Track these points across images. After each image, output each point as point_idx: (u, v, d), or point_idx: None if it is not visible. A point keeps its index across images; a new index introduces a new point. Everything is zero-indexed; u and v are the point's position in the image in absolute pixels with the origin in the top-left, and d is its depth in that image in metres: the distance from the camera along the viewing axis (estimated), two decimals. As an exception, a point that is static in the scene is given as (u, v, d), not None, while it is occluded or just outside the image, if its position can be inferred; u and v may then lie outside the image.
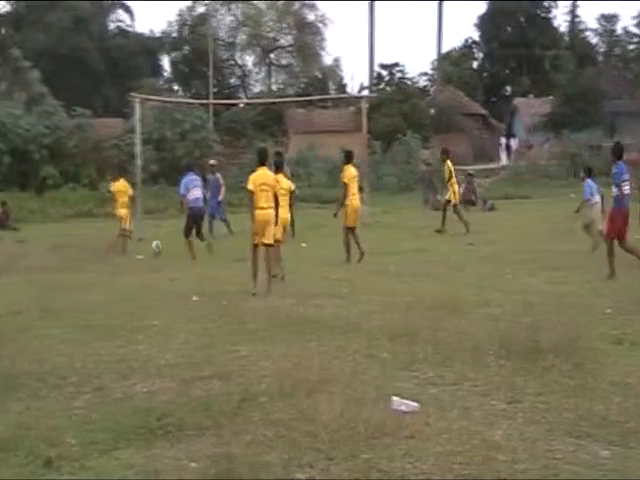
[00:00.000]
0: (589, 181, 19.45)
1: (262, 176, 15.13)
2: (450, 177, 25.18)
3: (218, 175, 27.41)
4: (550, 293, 13.45)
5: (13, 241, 25.87)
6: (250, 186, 14.95)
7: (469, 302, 12.76)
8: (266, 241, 15.12)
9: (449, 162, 25.55)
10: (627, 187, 16.02)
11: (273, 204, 15.13)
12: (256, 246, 15.16)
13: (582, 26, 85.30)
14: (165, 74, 78.84)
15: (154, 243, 21.97)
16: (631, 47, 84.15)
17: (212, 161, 29.46)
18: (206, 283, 15.59)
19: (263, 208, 14.96)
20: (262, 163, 15.54)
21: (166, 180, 42.30)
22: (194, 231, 21.25)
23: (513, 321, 10.92)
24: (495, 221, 28.89)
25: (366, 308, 12.56)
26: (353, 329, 10.91)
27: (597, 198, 19.88)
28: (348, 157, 19.64)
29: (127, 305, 13.45)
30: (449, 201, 24.76)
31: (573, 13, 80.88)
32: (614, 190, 16.04)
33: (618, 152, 16.58)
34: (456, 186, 25.41)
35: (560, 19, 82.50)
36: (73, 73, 64.87)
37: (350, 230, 18.89)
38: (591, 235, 19.57)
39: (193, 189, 21.43)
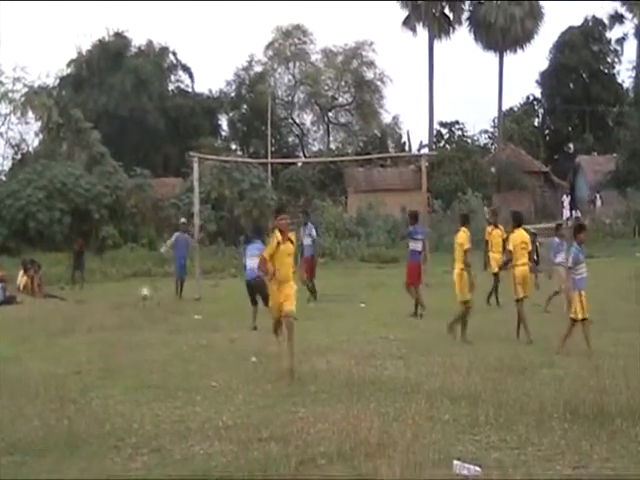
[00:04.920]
0: None
1: (520, 236, 16.30)
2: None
3: (186, 235, 26.64)
4: (617, 355, 13.21)
5: (73, 301, 25.89)
6: (510, 246, 16.31)
7: (533, 363, 12.60)
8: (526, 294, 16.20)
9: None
10: (419, 244, 20.88)
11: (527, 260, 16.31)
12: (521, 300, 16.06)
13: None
14: (223, 133, 79.27)
15: (143, 291, 21.74)
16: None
17: (182, 219, 28.63)
18: (265, 343, 15.33)
19: (524, 264, 16.13)
20: (519, 224, 16.56)
21: (224, 239, 42.19)
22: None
23: (578, 383, 10.72)
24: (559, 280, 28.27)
25: (427, 369, 12.39)
26: (413, 390, 10.74)
27: None
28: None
29: (185, 365, 13.43)
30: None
31: (638, 69, 79.94)
32: (410, 245, 20.86)
33: (413, 217, 21.63)
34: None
35: (624, 75, 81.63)
36: (133, 133, 65.50)
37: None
38: None
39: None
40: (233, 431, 9.07)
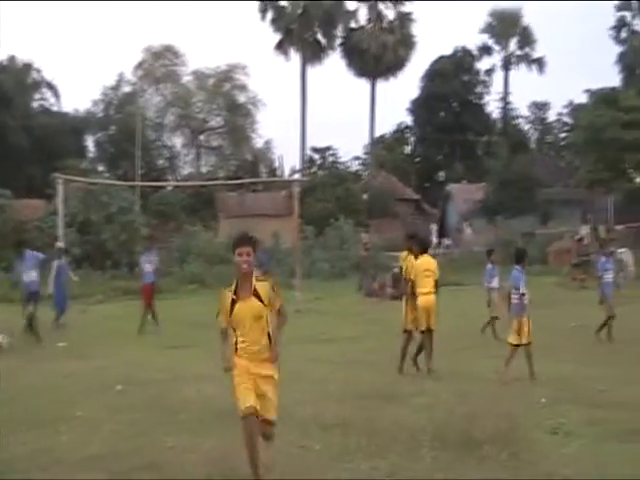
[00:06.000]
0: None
1: (424, 263, 15.14)
2: None
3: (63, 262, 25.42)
4: (486, 381, 13.56)
5: None
6: (411, 273, 15.08)
7: (404, 391, 12.73)
8: (431, 326, 14.93)
9: None
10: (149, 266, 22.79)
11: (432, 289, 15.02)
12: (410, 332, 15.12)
13: (514, 113, 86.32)
14: (90, 154, 77.38)
15: None
16: (562, 135, 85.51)
17: (59, 244, 27.28)
18: (134, 371, 15.19)
19: (427, 293, 14.94)
20: (425, 250, 15.49)
21: (91, 264, 40.75)
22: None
23: (448, 410, 10.96)
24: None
25: (299, 397, 12.24)
26: (285, 419, 10.40)
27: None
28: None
29: (50, 394, 13.03)
30: None
31: (505, 100, 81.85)
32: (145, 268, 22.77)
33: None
34: None
35: (493, 105, 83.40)
36: (-7, 152, 63.30)
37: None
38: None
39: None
40: (100, 461, 8.94)
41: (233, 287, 8.09)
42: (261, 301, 8.02)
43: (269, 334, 8.13)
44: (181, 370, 15.26)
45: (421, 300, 14.96)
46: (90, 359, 17.40)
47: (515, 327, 14.09)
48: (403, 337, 15.21)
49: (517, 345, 14.03)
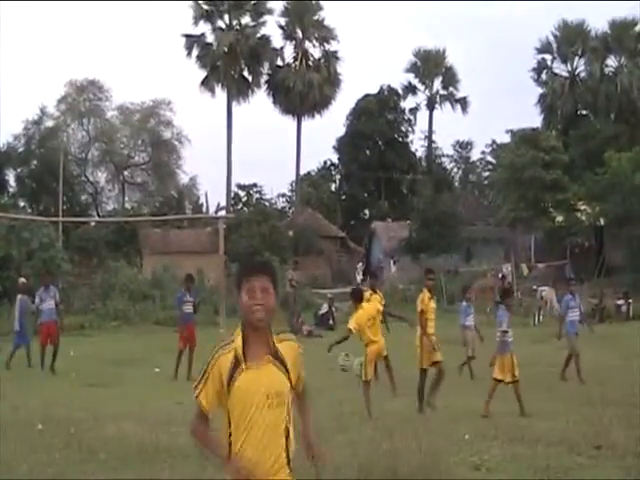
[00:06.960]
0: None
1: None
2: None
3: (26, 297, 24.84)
4: (409, 418, 13.61)
5: None
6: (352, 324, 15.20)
7: (328, 427, 12.44)
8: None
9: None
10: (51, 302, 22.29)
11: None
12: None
13: (438, 152, 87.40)
14: (11, 189, 76.01)
15: None
16: (485, 174, 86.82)
17: (22, 279, 26.84)
18: (54, 409, 14.72)
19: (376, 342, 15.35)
20: (361, 301, 15.68)
21: (10, 301, 40.04)
22: None
23: (372, 447, 10.92)
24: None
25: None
26: (207, 457, 10.31)
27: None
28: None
29: None
30: None
31: (429, 138, 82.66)
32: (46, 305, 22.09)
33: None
34: None
35: (417, 144, 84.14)
36: None
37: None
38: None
39: None
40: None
41: (236, 345, 4.63)
42: (286, 372, 4.67)
43: (287, 433, 4.69)
44: (101, 408, 14.98)
45: (371, 349, 15.33)
46: (8, 397, 16.84)
47: (499, 364, 14.36)
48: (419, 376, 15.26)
49: (500, 380, 14.28)
